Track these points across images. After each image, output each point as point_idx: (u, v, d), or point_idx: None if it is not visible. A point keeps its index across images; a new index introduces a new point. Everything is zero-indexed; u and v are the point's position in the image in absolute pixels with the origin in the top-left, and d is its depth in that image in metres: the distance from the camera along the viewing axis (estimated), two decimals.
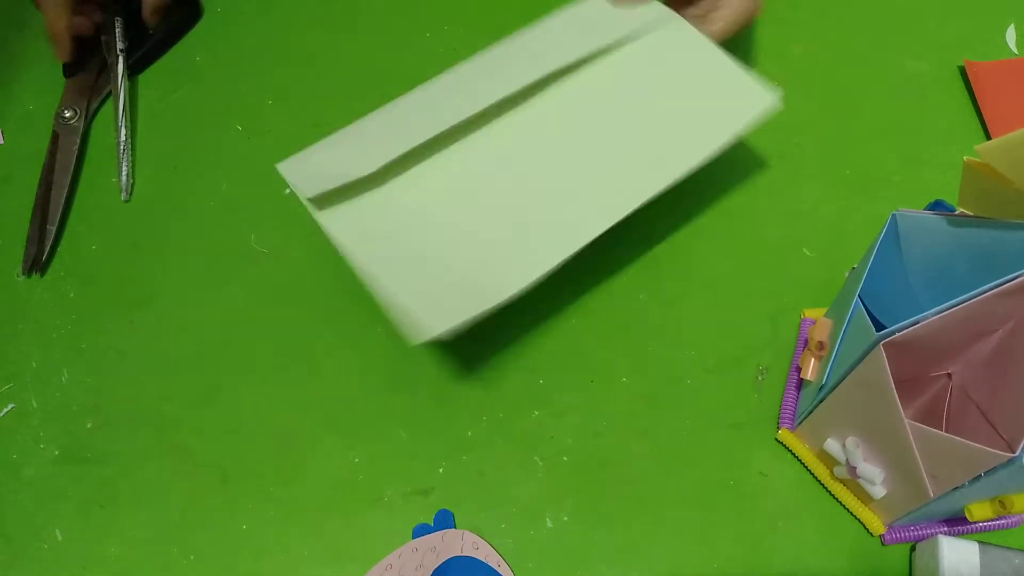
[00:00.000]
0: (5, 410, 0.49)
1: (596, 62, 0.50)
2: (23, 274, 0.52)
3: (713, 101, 0.49)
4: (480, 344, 0.50)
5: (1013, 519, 0.43)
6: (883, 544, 0.44)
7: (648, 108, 0.49)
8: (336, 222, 0.44)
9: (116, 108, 0.58)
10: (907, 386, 0.41)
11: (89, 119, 0.59)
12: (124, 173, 0.56)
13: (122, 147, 0.57)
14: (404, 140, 0.44)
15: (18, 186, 0.57)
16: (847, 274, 0.46)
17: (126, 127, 0.57)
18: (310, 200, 0.43)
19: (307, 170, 0.44)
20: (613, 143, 0.47)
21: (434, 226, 0.44)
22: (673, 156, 0.46)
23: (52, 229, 0.54)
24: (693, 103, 0.49)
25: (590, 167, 0.46)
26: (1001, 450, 0.34)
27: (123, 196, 0.56)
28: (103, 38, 0.60)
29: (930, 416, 0.43)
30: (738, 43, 0.63)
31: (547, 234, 0.44)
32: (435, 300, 0.40)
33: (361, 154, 0.44)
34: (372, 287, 0.42)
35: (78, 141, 0.57)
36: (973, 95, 0.60)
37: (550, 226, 0.44)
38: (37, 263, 0.52)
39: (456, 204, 0.45)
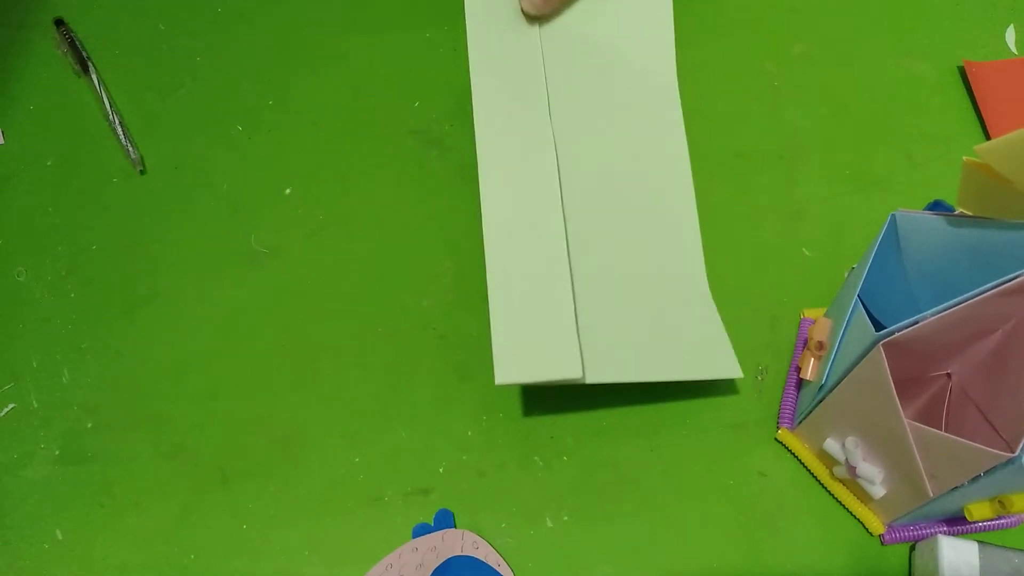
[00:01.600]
0: (6, 410, 0.49)
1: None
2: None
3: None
4: (480, 344, 0.50)
5: (1013, 519, 0.43)
6: (882, 544, 0.44)
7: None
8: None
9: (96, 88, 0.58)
10: (907, 386, 0.41)
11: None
12: (129, 149, 0.56)
13: (116, 124, 0.57)
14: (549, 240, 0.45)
15: (18, 186, 0.57)
16: (847, 274, 0.46)
17: (108, 99, 0.58)
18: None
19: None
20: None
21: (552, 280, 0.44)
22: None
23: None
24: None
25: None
26: (1001, 450, 0.34)
27: (137, 168, 0.57)
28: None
29: (930, 416, 0.43)
30: (738, 42, 0.63)
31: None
32: (521, 353, 0.42)
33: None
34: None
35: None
36: (972, 95, 0.60)
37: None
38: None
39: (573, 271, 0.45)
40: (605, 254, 0.47)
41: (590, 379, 0.42)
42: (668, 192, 0.51)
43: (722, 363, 0.46)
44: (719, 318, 0.48)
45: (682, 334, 0.47)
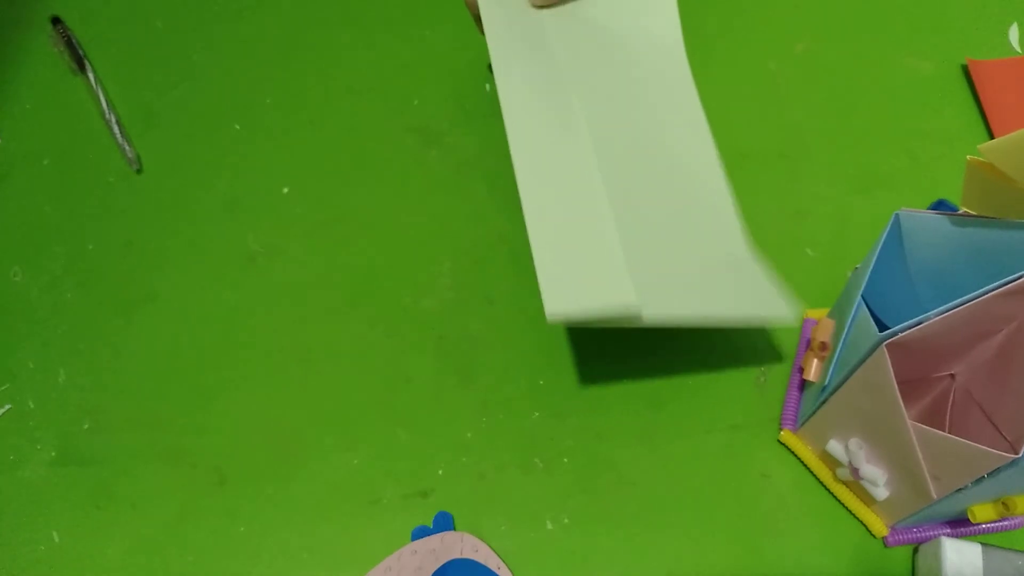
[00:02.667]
0: (2, 411, 0.48)
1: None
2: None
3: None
4: (480, 345, 0.50)
5: (1016, 520, 0.43)
6: (886, 546, 0.44)
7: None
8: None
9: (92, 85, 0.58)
10: (910, 387, 0.41)
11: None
12: (126, 148, 0.56)
13: (112, 123, 0.57)
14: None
15: (15, 185, 0.56)
16: (850, 274, 0.45)
17: (105, 98, 0.58)
18: None
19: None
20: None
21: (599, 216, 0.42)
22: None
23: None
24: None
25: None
26: (1004, 451, 0.33)
27: (133, 167, 0.56)
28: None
29: (933, 417, 0.43)
30: (740, 41, 0.63)
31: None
32: (569, 283, 0.39)
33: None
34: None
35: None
36: (976, 94, 0.59)
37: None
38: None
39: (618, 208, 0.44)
40: (640, 198, 0.45)
41: (647, 316, 0.39)
42: (691, 147, 0.49)
43: (774, 305, 0.44)
44: (761, 264, 0.46)
45: (728, 278, 0.45)
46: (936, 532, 0.43)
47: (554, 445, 0.47)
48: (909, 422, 0.36)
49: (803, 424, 0.45)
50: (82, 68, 0.60)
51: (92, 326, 0.51)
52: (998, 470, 0.35)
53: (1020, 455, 0.33)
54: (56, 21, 0.63)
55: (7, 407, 0.48)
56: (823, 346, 0.43)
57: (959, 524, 0.43)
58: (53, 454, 0.47)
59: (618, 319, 0.39)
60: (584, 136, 0.45)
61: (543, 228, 0.40)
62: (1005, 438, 0.37)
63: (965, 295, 0.35)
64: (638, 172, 0.47)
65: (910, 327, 0.35)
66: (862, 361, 0.38)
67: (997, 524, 0.43)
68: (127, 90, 0.61)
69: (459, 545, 0.43)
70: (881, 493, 0.41)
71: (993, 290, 0.34)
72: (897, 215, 0.40)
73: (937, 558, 0.41)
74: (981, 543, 0.41)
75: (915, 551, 0.44)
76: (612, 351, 0.50)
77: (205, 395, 0.49)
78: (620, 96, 0.50)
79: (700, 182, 0.49)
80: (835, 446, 0.42)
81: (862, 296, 0.39)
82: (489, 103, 0.60)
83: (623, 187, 0.45)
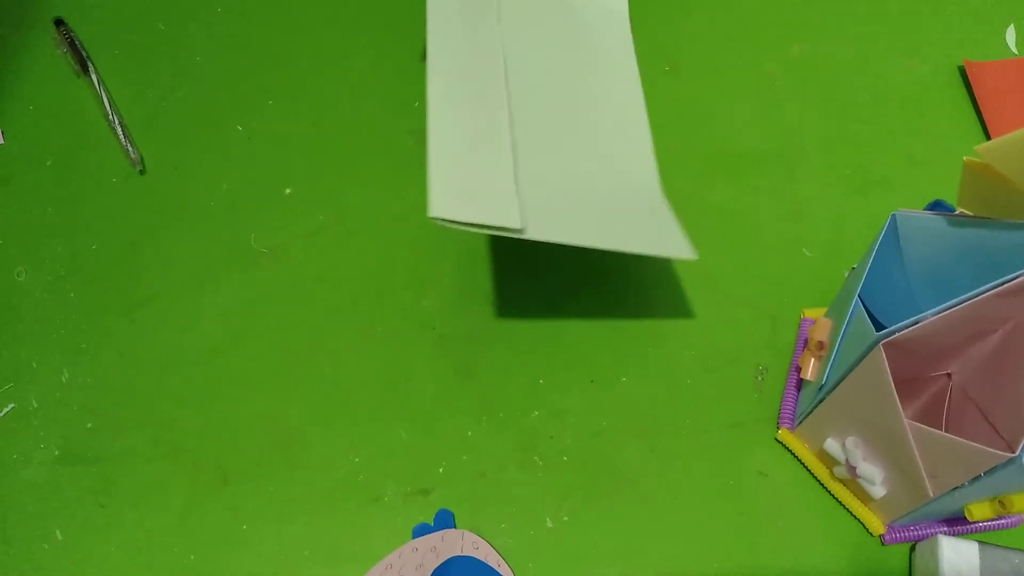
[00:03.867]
0: (5, 410, 0.49)
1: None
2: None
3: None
4: (480, 344, 0.50)
5: (1013, 519, 0.43)
6: (883, 544, 0.44)
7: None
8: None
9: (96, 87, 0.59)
10: (907, 386, 0.41)
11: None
12: (129, 149, 0.57)
13: (115, 124, 0.57)
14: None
15: (18, 186, 0.57)
16: (847, 274, 0.46)
17: (108, 99, 0.58)
18: None
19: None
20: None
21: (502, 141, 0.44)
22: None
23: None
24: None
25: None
26: (1001, 450, 0.34)
27: (136, 168, 0.57)
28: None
29: (930, 416, 0.43)
30: (737, 43, 0.63)
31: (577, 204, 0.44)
32: (457, 190, 0.40)
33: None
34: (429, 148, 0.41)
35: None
36: (973, 95, 0.60)
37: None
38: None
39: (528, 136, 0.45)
40: (550, 132, 0.46)
41: (531, 234, 0.40)
42: (617, 93, 0.50)
43: (673, 243, 0.45)
44: (670, 208, 0.47)
45: (631, 210, 0.46)
46: (933, 530, 0.43)
47: (554, 443, 0.47)
48: (906, 421, 0.36)
49: (800, 423, 0.45)
50: (85, 69, 0.61)
51: (95, 326, 0.51)
52: (994, 468, 0.35)
53: (1016, 454, 0.34)
54: (59, 23, 0.63)
55: (10, 406, 0.49)
56: (820, 345, 0.43)
57: (956, 522, 0.43)
58: (56, 453, 0.47)
59: (500, 232, 0.40)
60: (500, 69, 0.46)
61: (442, 135, 0.41)
62: (1002, 437, 0.37)
63: (962, 295, 0.35)
64: (554, 111, 0.48)
65: (907, 327, 0.36)
66: (859, 360, 0.38)
67: (994, 522, 0.43)
68: (130, 91, 0.61)
69: (460, 543, 0.43)
70: (878, 491, 0.41)
71: (989, 290, 0.34)
72: (894, 215, 0.40)
73: (934, 556, 0.41)
74: (978, 541, 0.41)
75: (912, 549, 0.44)
76: (612, 351, 0.50)
77: (207, 394, 0.49)
78: (553, 46, 0.51)
79: (621, 130, 0.49)
80: (832, 444, 0.42)
81: (859, 296, 0.40)
82: None
83: (534, 120, 0.46)
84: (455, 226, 0.38)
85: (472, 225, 0.39)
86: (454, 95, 0.44)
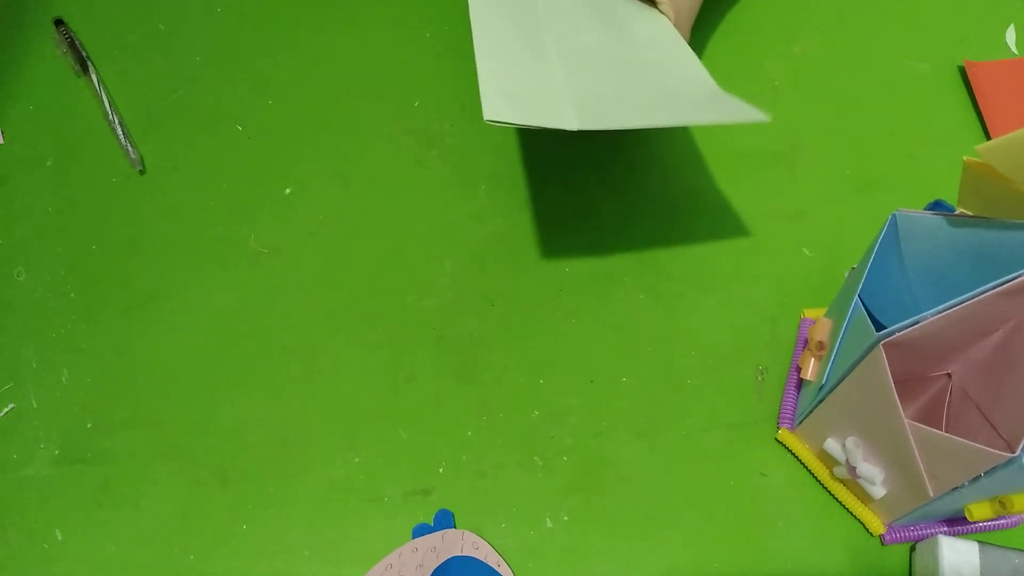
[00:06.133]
0: (5, 410, 0.49)
1: None
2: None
3: None
4: (480, 344, 0.50)
5: (1013, 519, 0.43)
6: (883, 544, 0.44)
7: None
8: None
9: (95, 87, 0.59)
10: (907, 386, 0.41)
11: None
12: (129, 149, 0.57)
13: (115, 124, 0.57)
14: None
15: (18, 186, 0.57)
16: (847, 274, 0.46)
17: (108, 100, 0.58)
18: None
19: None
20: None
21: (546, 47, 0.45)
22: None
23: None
24: None
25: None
26: (1001, 450, 0.34)
27: (136, 168, 0.57)
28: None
29: (930, 416, 0.43)
30: (738, 42, 0.63)
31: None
32: (508, 92, 0.41)
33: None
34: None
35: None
36: (973, 95, 0.60)
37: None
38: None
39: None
40: (593, 39, 0.47)
41: (587, 124, 0.40)
42: (662, 35, 0.51)
43: (741, 110, 0.44)
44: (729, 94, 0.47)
45: (688, 94, 0.46)
46: (933, 530, 0.43)
47: (554, 443, 0.47)
48: (906, 421, 0.36)
49: (801, 423, 0.45)
50: (85, 70, 0.61)
51: (95, 326, 0.51)
52: (995, 469, 0.35)
53: (1016, 454, 0.33)
54: (59, 23, 0.63)
55: (10, 406, 0.49)
56: (820, 345, 0.43)
57: (956, 522, 0.43)
58: (56, 453, 0.47)
59: (554, 127, 0.40)
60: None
61: (488, 43, 0.42)
62: (1002, 437, 0.37)
63: (962, 295, 0.35)
64: (595, 27, 0.49)
65: (907, 327, 0.36)
66: (859, 360, 0.38)
67: (994, 522, 0.43)
68: (130, 91, 0.61)
69: (460, 543, 0.43)
70: (878, 491, 0.41)
71: (990, 290, 0.34)
72: (894, 215, 0.40)
73: (934, 556, 0.41)
74: (978, 541, 0.41)
75: (912, 549, 0.44)
76: (612, 351, 0.50)
77: (207, 394, 0.49)
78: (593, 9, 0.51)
79: (667, 48, 0.50)
80: (832, 445, 0.42)
81: (859, 296, 0.40)
82: None
83: (575, 30, 0.47)
84: (509, 125, 0.39)
85: (527, 125, 0.40)
86: (494, 4, 0.45)
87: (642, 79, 0.46)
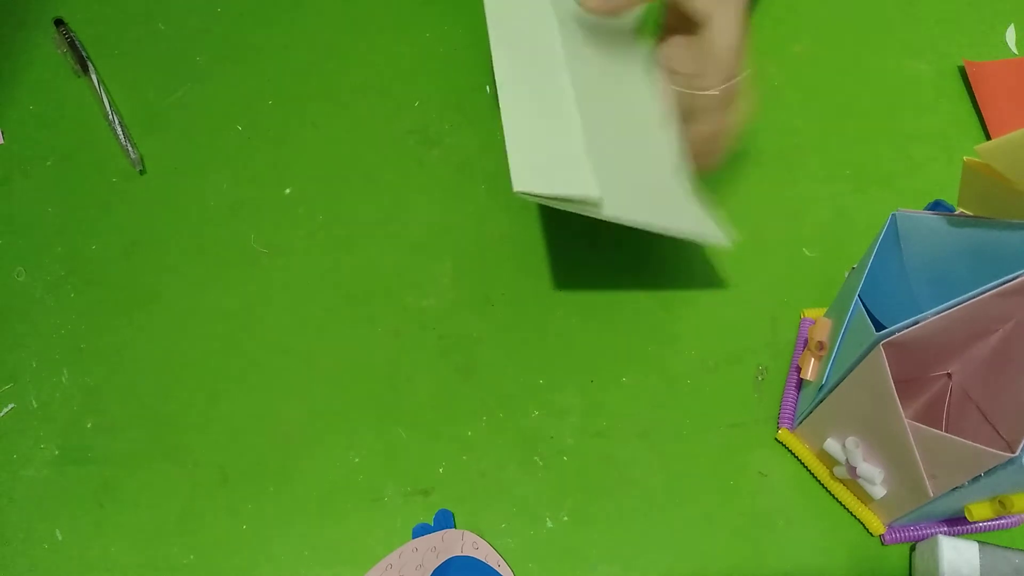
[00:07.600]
0: (5, 410, 0.49)
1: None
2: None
3: None
4: (480, 344, 0.50)
5: (1013, 519, 0.43)
6: (883, 544, 0.44)
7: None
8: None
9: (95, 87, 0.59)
10: (907, 386, 0.41)
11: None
12: (129, 149, 0.57)
13: (115, 124, 0.57)
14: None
15: (18, 186, 0.57)
16: (847, 274, 0.46)
17: (108, 100, 0.58)
18: None
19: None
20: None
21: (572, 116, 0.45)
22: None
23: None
24: None
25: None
26: (1001, 450, 0.34)
27: (136, 168, 0.57)
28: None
29: (930, 416, 0.43)
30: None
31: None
32: (536, 165, 0.42)
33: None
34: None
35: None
36: (973, 95, 0.60)
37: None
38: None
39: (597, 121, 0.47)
40: (605, 114, 0.48)
41: (607, 212, 0.42)
42: (650, 107, 0.51)
43: (712, 230, 0.48)
44: (700, 198, 0.50)
45: (678, 198, 0.48)
46: (933, 530, 0.43)
47: (554, 443, 0.47)
48: (906, 421, 0.36)
49: (800, 423, 0.45)
50: (85, 70, 0.61)
51: (95, 326, 0.51)
52: (995, 469, 0.35)
53: (1016, 454, 0.33)
54: (59, 23, 0.63)
55: (10, 406, 0.49)
56: (820, 345, 0.43)
57: (956, 522, 0.43)
58: (56, 453, 0.47)
59: (577, 206, 0.41)
60: (560, 55, 0.48)
61: (516, 113, 0.43)
62: (1002, 437, 0.37)
63: (962, 295, 0.35)
64: (604, 97, 0.50)
65: (907, 327, 0.36)
66: (859, 360, 0.38)
67: (994, 522, 0.43)
68: (130, 92, 0.61)
69: (460, 542, 0.43)
70: (878, 491, 0.41)
71: (990, 290, 0.34)
72: (894, 215, 0.40)
73: (934, 556, 0.41)
74: (978, 541, 0.41)
75: (912, 549, 0.44)
76: (612, 351, 0.50)
77: (207, 394, 0.49)
78: (596, 55, 0.51)
79: (655, 127, 0.51)
80: (832, 445, 0.42)
81: (859, 296, 0.40)
82: (489, 104, 0.60)
83: (590, 102, 0.47)
84: (536, 199, 0.40)
85: (553, 199, 0.41)
86: (519, 73, 0.46)
87: (645, 174, 0.48)
